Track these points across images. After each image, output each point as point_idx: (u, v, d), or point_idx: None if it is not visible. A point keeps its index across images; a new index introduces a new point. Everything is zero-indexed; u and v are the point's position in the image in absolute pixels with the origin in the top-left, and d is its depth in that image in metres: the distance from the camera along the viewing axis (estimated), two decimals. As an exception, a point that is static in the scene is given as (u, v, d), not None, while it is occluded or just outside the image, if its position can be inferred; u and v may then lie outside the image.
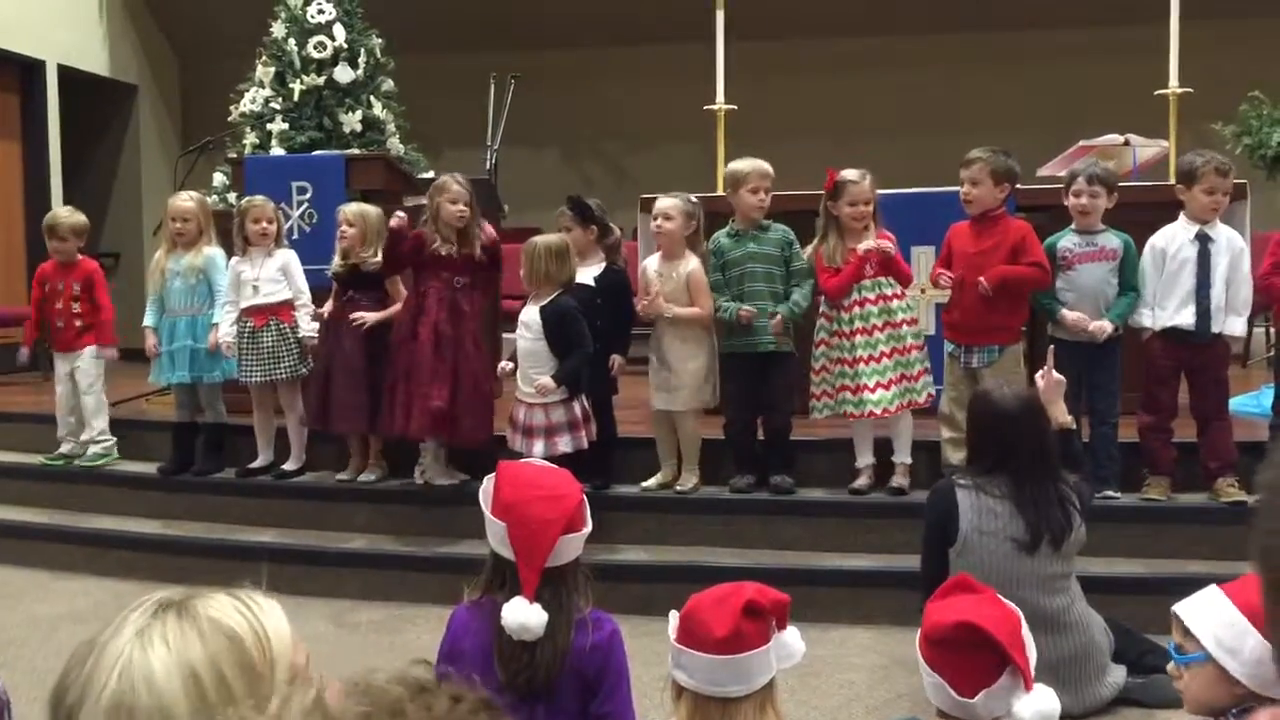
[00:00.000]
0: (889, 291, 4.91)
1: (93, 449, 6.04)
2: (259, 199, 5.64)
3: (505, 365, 5.02)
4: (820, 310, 5.07)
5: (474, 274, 5.16)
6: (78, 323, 6.01)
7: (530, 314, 4.85)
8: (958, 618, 2.12)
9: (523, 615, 2.24)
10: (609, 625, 2.39)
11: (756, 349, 5.02)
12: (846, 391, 4.90)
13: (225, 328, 5.58)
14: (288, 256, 5.60)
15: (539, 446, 4.72)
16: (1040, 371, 3.90)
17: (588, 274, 5.18)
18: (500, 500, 2.32)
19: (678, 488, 5.14)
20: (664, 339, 5.09)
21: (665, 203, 5.09)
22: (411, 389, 5.08)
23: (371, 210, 5.43)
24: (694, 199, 5.16)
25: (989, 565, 3.56)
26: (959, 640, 2.10)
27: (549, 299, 4.82)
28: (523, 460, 2.73)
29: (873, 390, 4.84)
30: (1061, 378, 3.84)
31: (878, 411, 4.85)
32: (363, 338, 5.34)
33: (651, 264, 5.18)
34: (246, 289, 5.55)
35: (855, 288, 4.90)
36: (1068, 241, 4.87)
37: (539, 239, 4.91)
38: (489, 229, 5.25)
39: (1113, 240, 4.84)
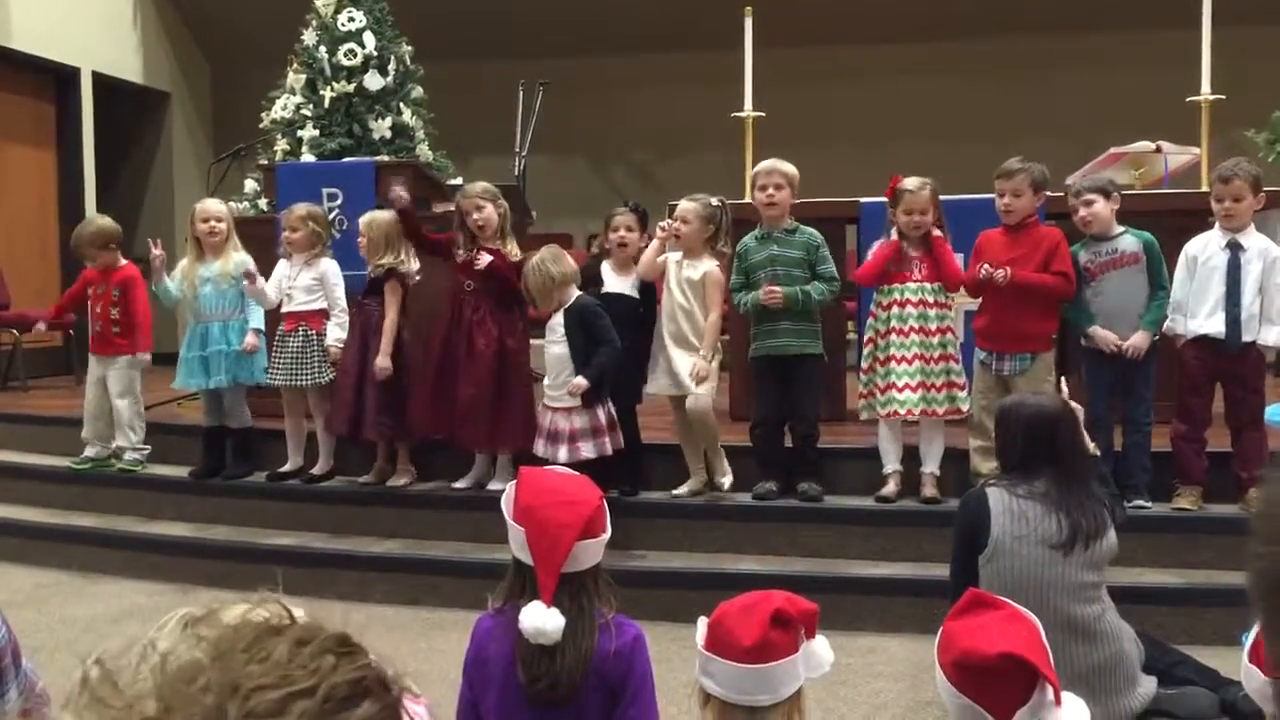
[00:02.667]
0: (930, 299, 4.91)
1: (130, 455, 6.08)
2: (298, 206, 5.68)
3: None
4: (870, 308, 5.10)
5: (485, 279, 5.19)
6: (115, 329, 6.05)
7: (556, 319, 4.90)
8: (998, 648, 2.09)
9: (540, 619, 2.24)
10: (632, 630, 2.38)
11: (783, 351, 5.02)
12: (878, 391, 4.93)
13: (257, 322, 5.73)
14: (327, 266, 5.64)
15: (563, 452, 4.73)
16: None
17: (627, 284, 5.21)
18: (520, 505, 2.33)
19: (722, 485, 5.12)
20: (669, 343, 5.07)
21: (683, 206, 5.11)
22: (416, 388, 5.32)
23: (381, 217, 5.46)
24: (714, 202, 5.15)
25: (1020, 571, 3.54)
26: (998, 669, 2.09)
27: (570, 302, 4.88)
28: (545, 467, 2.74)
29: (900, 390, 4.85)
30: (1079, 407, 3.82)
31: (901, 412, 4.86)
32: (366, 340, 5.41)
33: (674, 255, 5.17)
34: (283, 295, 5.63)
35: (899, 289, 4.91)
36: (1085, 254, 4.85)
37: (531, 260, 4.92)
38: (507, 252, 5.27)
39: (1131, 243, 4.80)
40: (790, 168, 5.12)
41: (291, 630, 0.79)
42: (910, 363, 4.87)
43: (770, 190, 5.06)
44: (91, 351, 6.18)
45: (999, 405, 4.03)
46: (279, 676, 0.75)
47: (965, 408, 4.93)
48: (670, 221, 5.10)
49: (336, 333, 5.56)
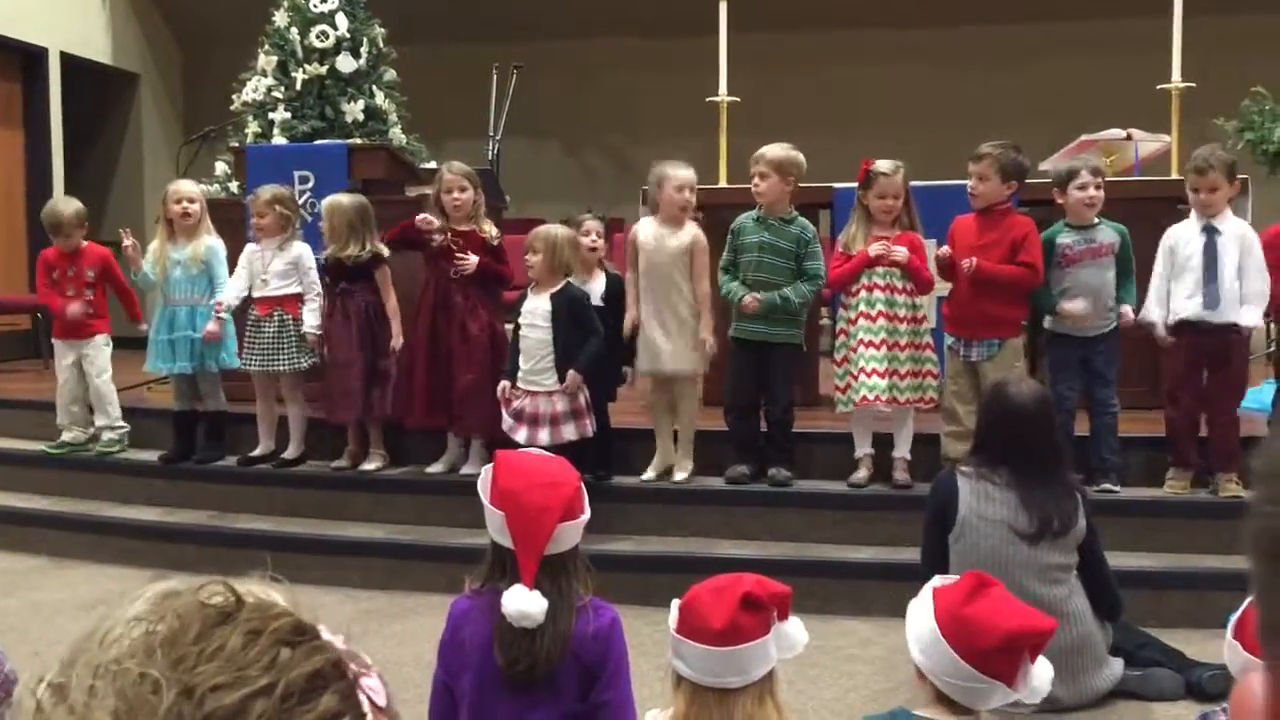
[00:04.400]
0: (898, 284, 4.88)
1: (108, 435, 6.01)
2: (262, 191, 5.60)
3: (505, 386, 4.91)
4: (841, 298, 5.09)
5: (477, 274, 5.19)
6: (89, 310, 5.97)
7: (538, 303, 4.84)
8: (1012, 625, 2.23)
9: (523, 603, 2.25)
10: (609, 613, 2.40)
11: (762, 339, 5.01)
12: (852, 380, 4.90)
13: (227, 298, 5.60)
14: (301, 250, 5.59)
15: (544, 435, 4.72)
16: None
17: (595, 290, 5.16)
18: (498, 489, 2.33)
19: (675, 477, 5.14)
20: (658, 308, 5.05)
21: (689, 175, 5.08)
22: (408, 379, 5.30)
23: (342, 201, 5.40)
24: None
25: (985, 550, 3.59)
26: (1017, 644, 2.21)
27: (558, 287, 4.83)
28: (521, 450, 2.73)
29: (869, 375, 4.82)
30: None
31: (870, 398, 4.81)
32: (360, 327, 5.37)
33: (646, 228, 5.13)
34: (257, 280, 5.58)
35: (867, 273, 4.88)
36: (1067, 238, 4.85)
37: (558, 230, 4.90)
38: (486, 235, 5.29)
39: (1109, 234, 4.84)
40: (780, 153, 5.01)
41: (241, 617, 0.76)
42: (878, 348, 4.83)
43: (756, 180, 5.03)
44: (59, 337, 6.04)
45: (986, 383, 4.07)
46: (234, 675, 0.72)
47: (934, 397, 4.93)
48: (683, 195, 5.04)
49: (314, 319, 5.52)
